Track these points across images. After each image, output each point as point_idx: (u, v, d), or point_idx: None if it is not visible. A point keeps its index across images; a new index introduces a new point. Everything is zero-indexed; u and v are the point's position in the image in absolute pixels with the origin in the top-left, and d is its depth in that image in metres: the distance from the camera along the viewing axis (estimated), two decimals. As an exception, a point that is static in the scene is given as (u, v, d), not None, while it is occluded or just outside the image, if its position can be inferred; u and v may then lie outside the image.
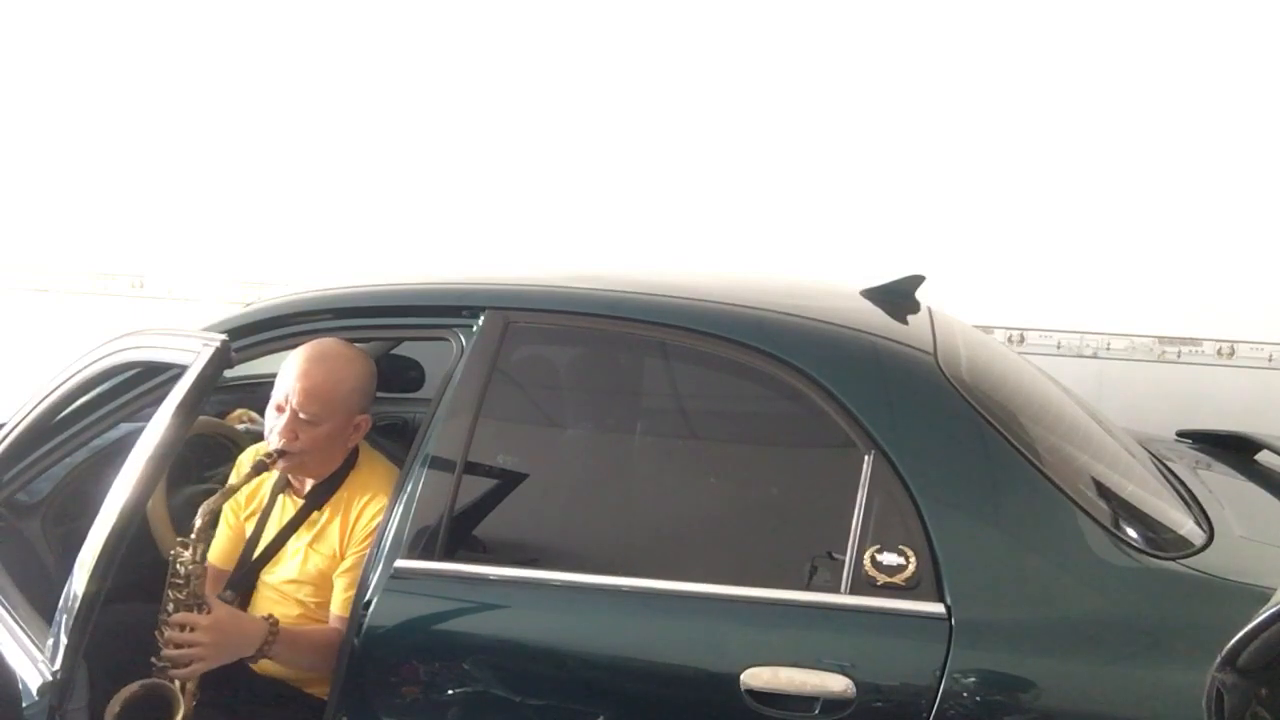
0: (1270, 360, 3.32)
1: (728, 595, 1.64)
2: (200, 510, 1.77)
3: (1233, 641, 1.07)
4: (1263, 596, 1.22)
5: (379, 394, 2.04)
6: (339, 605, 1.87)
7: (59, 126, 4.11)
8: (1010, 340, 3.43)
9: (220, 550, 2.03)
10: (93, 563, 1.58)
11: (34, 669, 1.62)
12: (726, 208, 3.59)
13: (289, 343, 2.01)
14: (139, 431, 1.68)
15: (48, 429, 2.03)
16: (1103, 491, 1.79)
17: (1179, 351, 3.38)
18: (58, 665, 1.57)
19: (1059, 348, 3.43)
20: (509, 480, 1.84)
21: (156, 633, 1.73)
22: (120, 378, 2.01)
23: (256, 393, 2.74)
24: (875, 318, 2.00)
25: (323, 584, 1.92)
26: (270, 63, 3.91)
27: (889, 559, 1.61)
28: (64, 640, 1.57)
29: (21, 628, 1.73)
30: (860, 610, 1.59)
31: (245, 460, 2.04)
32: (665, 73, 3.61)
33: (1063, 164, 3.37)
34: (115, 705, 1.66)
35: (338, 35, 3.84)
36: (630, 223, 3.64)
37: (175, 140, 4.00)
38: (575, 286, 2.02)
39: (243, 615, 1.82)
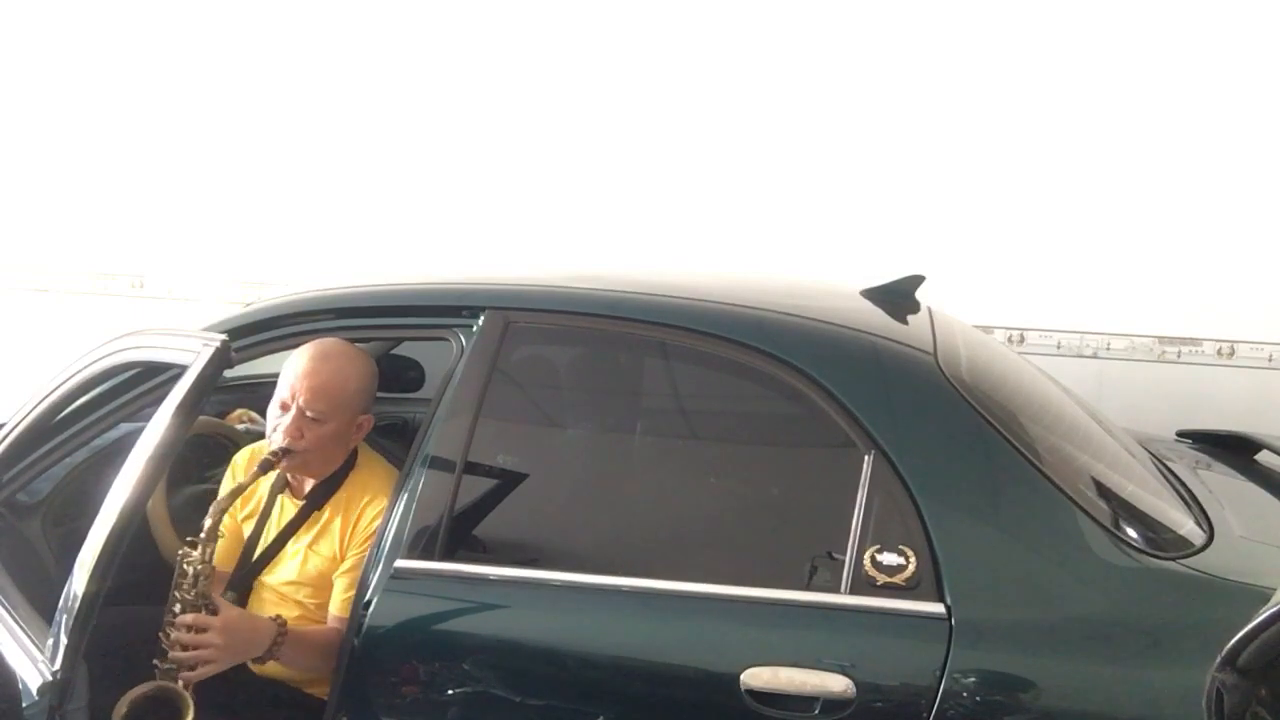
0: (1270, 360, 3.32)
1: (728, 595, 1.64)
2: (210, 510, 1.77)
3: (1233, 641, 1.07)
4: (1263, 596, 1.22)
5: (379, 394, 2.04)
6: (338, 606, 1.87)
7: (59, 126, 4.11)
8: (1010, 340, 3.43)
9: (218, 551, 2.03)
10: (93, 563, 1.58)
11: (34, 669, 1.62)
12: (726, 208, 3.58)
13: (289, 343, 2.01)
14: (139, 431, 1.68)
15: (48, 429, 2.03)
16: (1103, 491, 1.79)
17: (1179, 351, 3.38)
18: (58, 665, 1.57)
19: (1059, 348, 3.43)
20: (509, 480, 1.84)
21: (161, 634, 1.73)
22: (120, 378, 2.01)
23: (256, 393, 2.74)
24: (875, 318, 2.00)
25: (322, 585, 1.92)
26: (270, 63, 3.91)
27: (889, 559, 1.61)
28: (64, 640, 1.57)
29: (21, 628, 1.73)
30: (860, 610, 1.59)
31: (241, 460, 2.04)
32: (665, 73, 3.61)
33: (1062, 164, 3.37)
34: (122, 707, 1.66)
35: (338, 36, 3.84)
36: (630, 223, 3.64)
37: (175, 140, 4.00)
38: (575, 286, 2.02)
39: (253, 616, 1.82)
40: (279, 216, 3.95)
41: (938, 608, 1.57)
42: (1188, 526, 1.80)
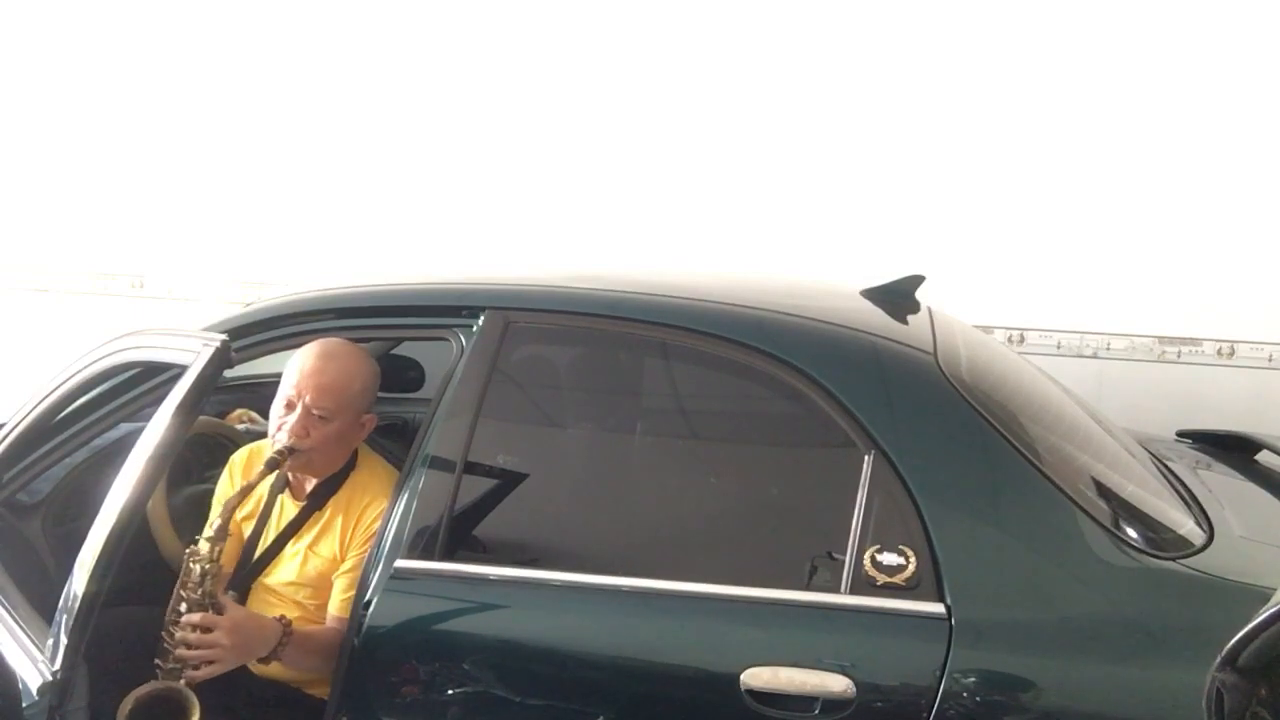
0: (1270, 360, 3.32)
1: (728, 595, 1.63)
2: (221, 508, 1.77)
3: (1233, 641, 1.07)
4: (1263, 596, 1.22)
5: (379, 394, 2.04)
6: (337, 606, 1.87)
7: (59, 127, 4.11)
8: (1010, 340, 3.43)
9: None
10: (93, 563, 1.58)
11: (34, 669, 1.62)
12: (726, 208, 3.59)
13: (289, 343, 2.01)
14: (139, 431, 1.68)
15: (48, 429, 2.03)
16: (1103, 491, 1.79)
17: (1179, 351, 3.38)
18: (58, 665, 1.57)
19: (1059, 348, 3.43)
20: (509, 480, 1.84)
21: (164, 633, 1.72)
22: (120, 378, 2.01)
23: (256, 393, 2.75)
24: (875, 318, 2.00)
25: (322, 585, 1.92)
26: (270, 63, 3.91)
27: (889, 559, 1.61)
28: (64, 640, 1.57)
29: (21, 628, 1.73)
30: (860, 610, 1.59)
31: (239, 460, 2.04)
32: (666, 73, 3.61)
33: (1062, 164, 3.37)
34: (127, 705, 1.66)
35: (338, 36, 3.84)
36: (630, 223, 3.64)
37: (175, 141, 4.01)
38: (575, 286, 2.02)
39: (259, 616, 1.81)
40: (279, 216, 3.95)
41: (938, 608, 1.57)
42: (1188, 526, 1.80)
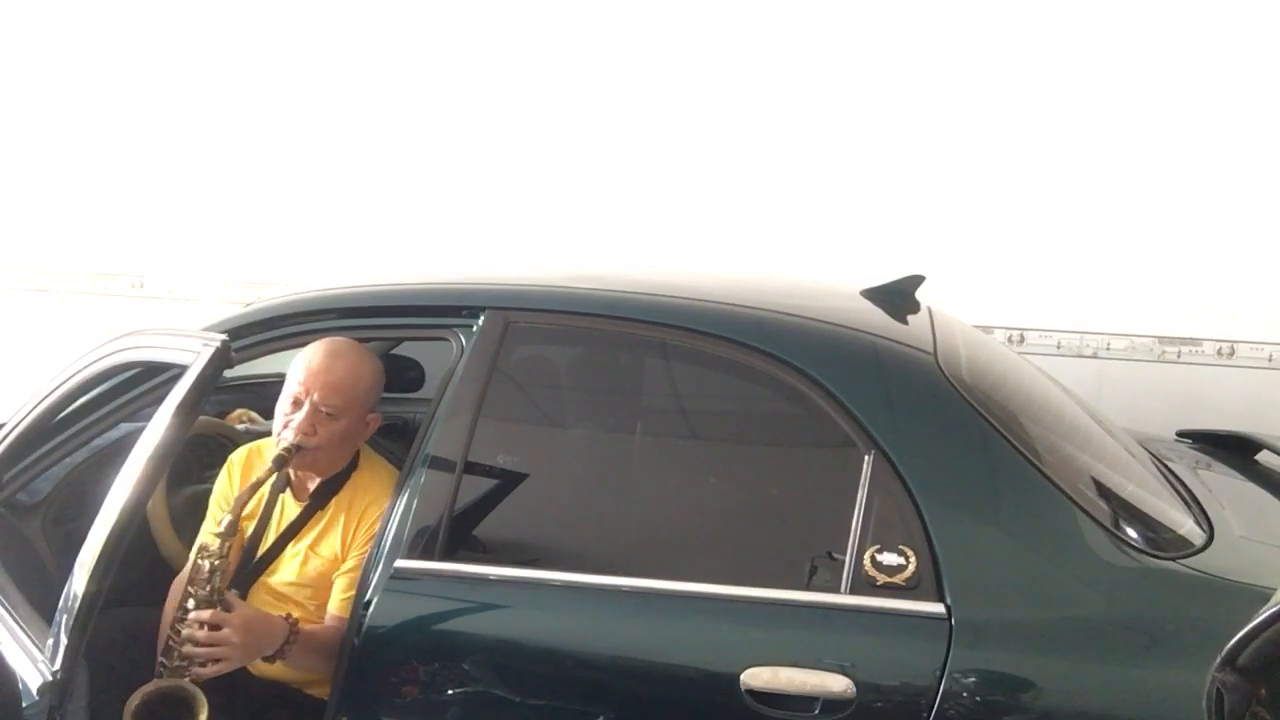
0: (1270, 360, 3.32)
1: (728, 595, 1.64)
2: (231, 503, 1.77)
3: (1233, 641, 1.07)
4: (1263, 596, 1.22)
5: (379, 394, 2.04)
6: (337, 605, 1.87)
7: (59, 126, 4.11)
8: (1010, 340, 3.43)
9: None
10: (93, 563, 1.58)
11: (34, 669, 1.62)
12: (727, 208, 3.59)
13: (289, 343, 2.01)
14: (139, 431, 1.68)
15: (48, 429, 2.03)
16: (1103, 491, 1.79)
17: (1179, 351, 3.38)
18: (58, 665, 1.57)
19: (1059, 348, 3.43)
20: (509, 480, 1.84)
21: (170, 630, 1.72)
22: (120, 378, 2.01)
23: (256, 393, 2.75)
24: (875, 318, 2.00)
25: (322, 586, 1.92)
26: (270, 63, 3.91)
27: (889, 559, 1.61)
28: (64, 640, 1.57)
29: (21, 628, 1.73)
30: (860, 610, 1.59)
31: (237, 460, 2.03)
32: (665, 73, 3.61)
33: (1062, 164, 3.37)
34: (134, 701, 1.66)
35: (337, 36, 3.84)
36: (630, 223, 3.64)
37: (175, 141, 4.00)
38: (575, 286, 2.02)
39: (267, 614, 1.80)
40: (279, 216, 3.95)
41: (938, 608, 1.57)
42: (1188, 526, 1.80)
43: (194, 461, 2.41)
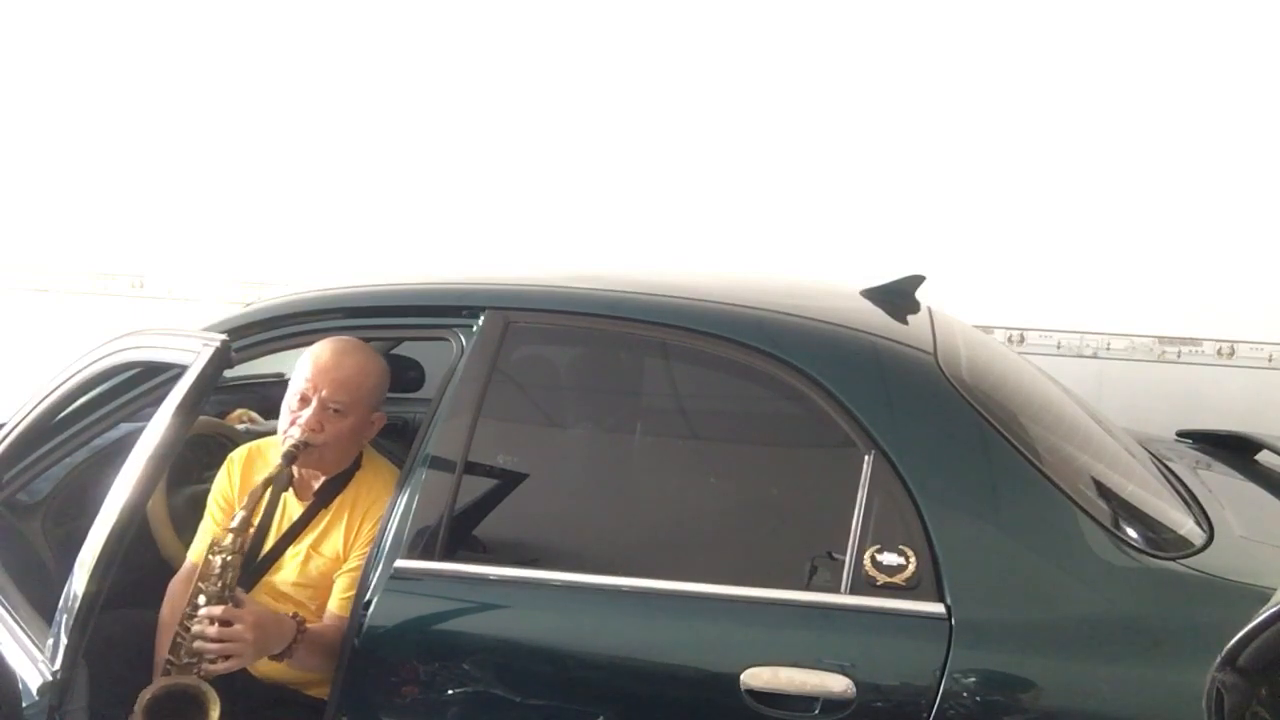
0: (1270, 360, 3.33)
1: (728, 595, 1.63)
2: (245, 500, 1.76)
3: (1233, 641, 1.07)
4: (1263, 596, 1.22)
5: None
6: (337, 604, 1.87)
7: (59, 126, 4.11)
8: (1010, 340, 3.43)
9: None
10: (93, 563, 1.58)
11: (34, 669, 1.62)
12: (726, 208, 3.59)
13: (289, 343, 2.01)
14: (139, 431, 1.68)
15: (48, 429, 2.03)
16: (1103, 491, 1.79)
17: (1179, 351, 3.38)
18: (58, 665, 1.57)
19: (1059, 348, 3.43)
20: (509, 480, 1.84)
21: (180, 627, 1.72)
22: (120, 378, 2.01)
23: (256, 393, 2.75)
24: (875, 318, 2.00)
25: (324, 585, 1.92)
26: (270, 63, 3.91)
27: (889, 559, 1.61)
28: (64, 640, 1.57)
29: (21, 628, 1.73)
30: (860, 610, 1.59)
31: (237, 459, 2.03)
32: (666, 73, 3.61)
33: (1062, 164, 3.37)
34: (146, 695, 1.66)
35: (337, 36, 3.85)
36: (630, 223, 3.64)
37: (175, 140, 4.01)
38: (575, 286, 2.02)
39: (276, 612, 1.80)
40: (279, 216, 3.95)
41: (938, 608, 1.57)
42: (1188, 526, 1.80)
43: (194, 461, 2.41)
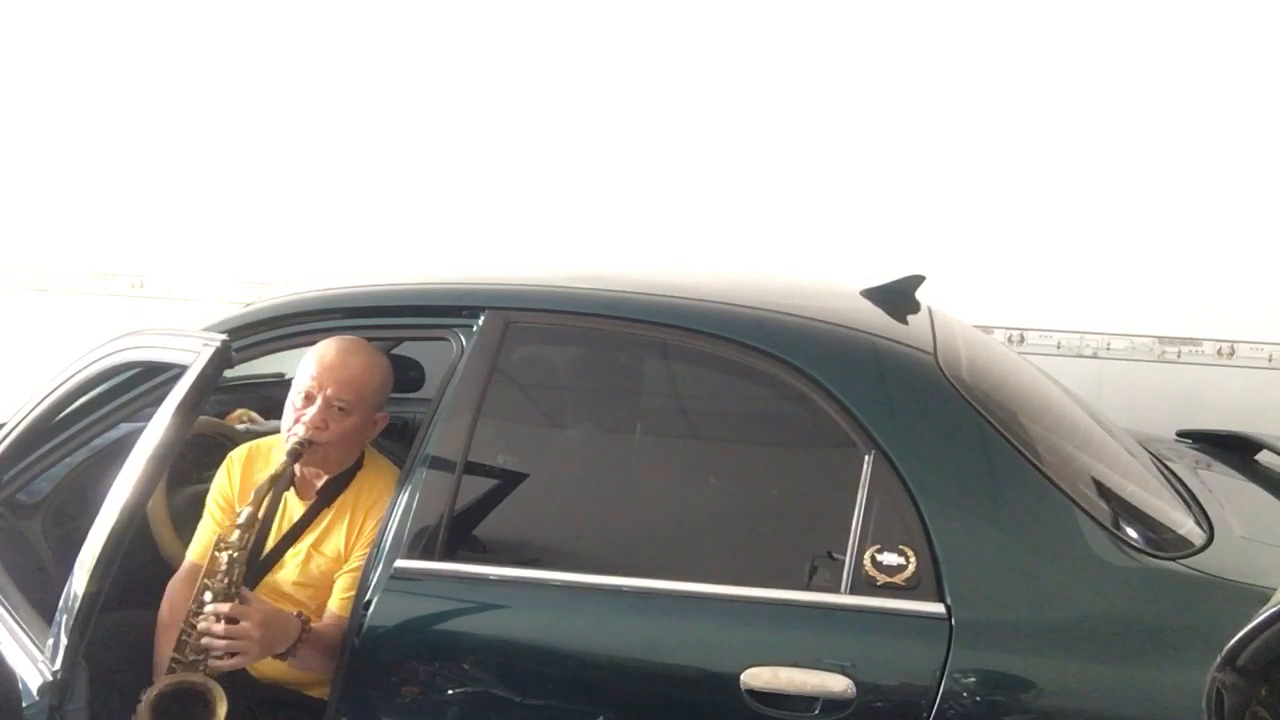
0: (1270, 360, 3.33)
1: (728, 595, 1.63)
2: (251, 497, 1.76)
3: (1233, 641, 1.07)
4: (1263, 596, 1.22)
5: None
6: (338, 604, 1.87)
7: (59, 126, 4.11)
8: (1010, 340, 3.43)
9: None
10: (93, 563, 1.58)
11: (34, 669, 1.62)
12: (727, 208, 3.59)
13: (289, 343, 2.01)
14: (139, 431, 1.68)
15: (48, 429, 2.03)
16: (1103, 491, 1.79)
17: (1179, 351, 3.38)
18: (58, 665, 1.57)
19: (1059, 348, 3.43)
20: (509, 480, 1.84)
21: (185, 624, 1.72)
22: (120, 378, 2.01)
23: (256, 393, 2.75)
24: (875, 318, 2.00)
25: (325, 585, 1.92)
26: (270, 63, 3.91)
27: (889, 559, 1.61)
28: (64, 640, 1.57)
29: (21, 628, 1.73)
30: (860, 610, 1.59)
31: (237, 458, 2.03)
32: (666, 73, 3.61)
33: (1062, 164, 3.37)
34: (153, 693, 1.65)
35: (337, 36, 3.85)
36: (630, 223, 3.64)
37: (175, 140, 4.01)
38: (575, 286, 2.02)
39: (281, 610, 1.79)
40: (279, 216, 3.95)
41: (938, 608, 1.57)
42: (1188, 526, 1.80)
43: (194, 461, 2.41)
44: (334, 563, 1.91)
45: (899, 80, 3.45)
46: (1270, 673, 1.07)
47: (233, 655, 1.68)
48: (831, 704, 1.54)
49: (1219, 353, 3.36)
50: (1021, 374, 2.14)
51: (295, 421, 1.87)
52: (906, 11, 3.44)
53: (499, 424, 1.86)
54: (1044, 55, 3.35)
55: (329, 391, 1.86)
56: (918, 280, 2.20)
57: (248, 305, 2.25)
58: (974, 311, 2.87)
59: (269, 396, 2.72)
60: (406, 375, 2.66)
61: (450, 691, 1.69)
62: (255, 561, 1.95)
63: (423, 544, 1.72)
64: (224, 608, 1.67)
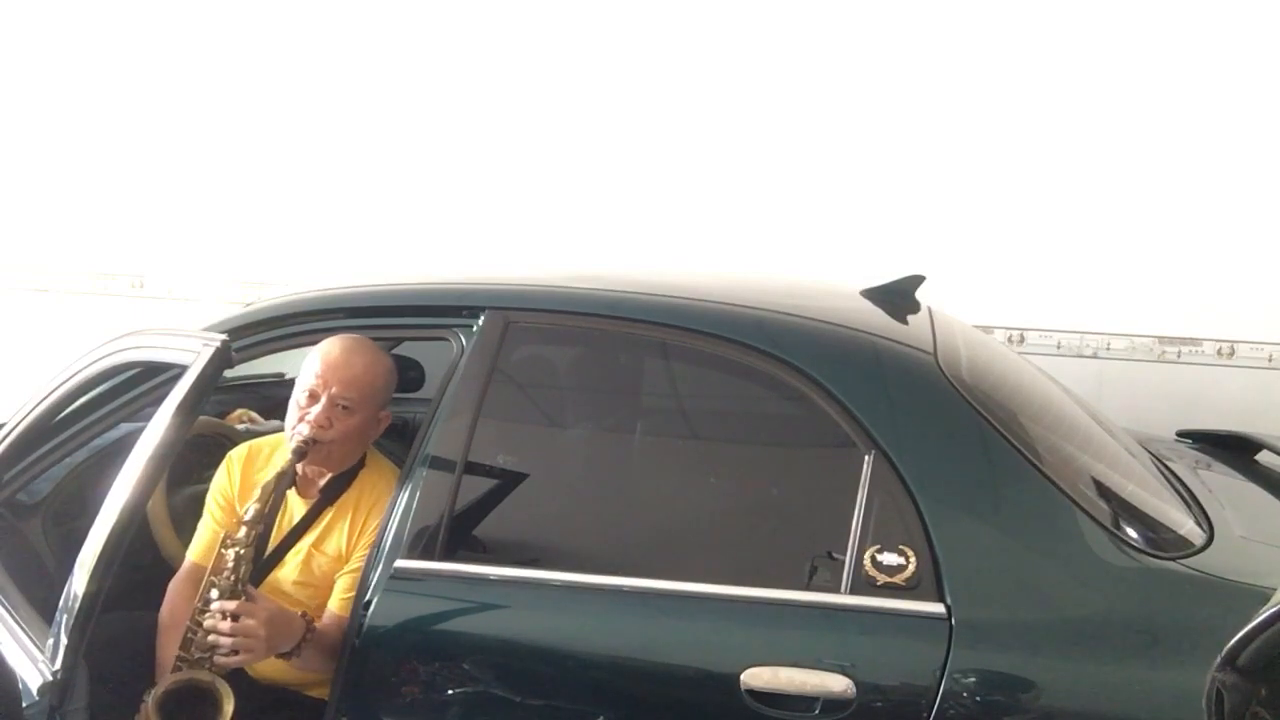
0: (1270, 360, 3.33)
1: (728, 595, 1.63)
2: (257, 494, 1.76)
3: (1233, 641, 1.07)
4: (1263, 596, 1.22)
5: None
6: (338, 604, 1.87)
7: (59, 126, 4.11)
8: (1010, 340, 3.43)
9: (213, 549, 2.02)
10: (93, 563, 1.58)
11: (34, 669, 1.62)
12: (727, 208, 3.59)
13: (289, 343, 2.01)
14: (139, 431, 1.68)
15: (48, 429, 2.03)
16: (1103, 491, 1.79)
17: (1179, 351, 3.38)
18: (58, 665, 1.57)
19: (1059, 348, 3.43)
20: (509, 480, 1.84)
21: (191, 622, 1.72)
22: (120, 378, 2.01)
23: (256, 393, 2.75)
24: (875, 318, 2.00)
25: (325, 585, 1.91)
26: (270, 63, 3.91)
27: (889, 559, 1.61)
28: (64, 640, 1.57)
29: (21, 628, 1.73)
30: (860, 610, 1.59)
31: (237, 457, 2.03)
32: (666, 73, 3.61)
33: (1062, 164, 3.38)
34: (159, 690, 1.65)
35: (337, 36, 3.85)
36: (630, 223, 3.64)
37: (175, 140, 4.01)
38: (575, 286, 2.02)
39: (286, 609, 1.79)
40: (279, 216, 3.95)
41: (938, 608, 1.57)
42: (1188, 526, 1.80)
43: (194, 461, 2.41)
44: (335, 562, 1.91)
45: (899, 81, 3.45)
46: (1270, 673, 1.07)
47: (238, 653, 1.68)
48: (831, 704, 1.54)
49: (1219, 353, 3.36)
50: (1021, 374, 2.14)
51: (299, 420, 1.86)
52: (906, 13, 3.44)
53: (499, 424, 1.86)
54: (1044, 56, 3.35)
55: (333, 390, 1.86)
56: (918, 280, 2.20)
57: (248, 305, 2.25)
58: (974, 311, 2.87)
59: (269, 396, 2.72)
60: (407, 375, 2.66)
61: (450, 691, 1.69)
62: (258, 560, 1.95)
63: (423, 544, 1.72)
64: (230, 605, 1.67)
